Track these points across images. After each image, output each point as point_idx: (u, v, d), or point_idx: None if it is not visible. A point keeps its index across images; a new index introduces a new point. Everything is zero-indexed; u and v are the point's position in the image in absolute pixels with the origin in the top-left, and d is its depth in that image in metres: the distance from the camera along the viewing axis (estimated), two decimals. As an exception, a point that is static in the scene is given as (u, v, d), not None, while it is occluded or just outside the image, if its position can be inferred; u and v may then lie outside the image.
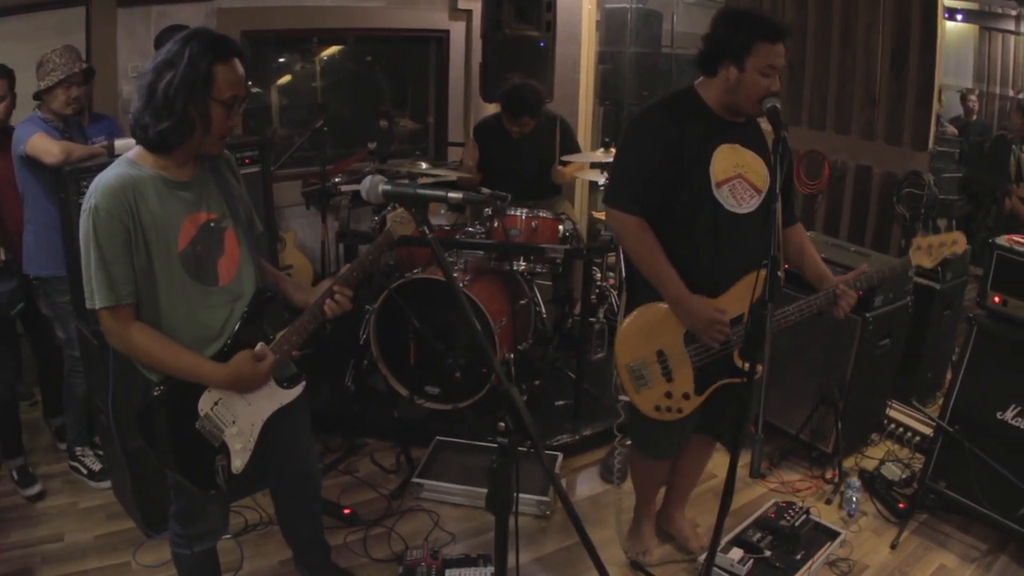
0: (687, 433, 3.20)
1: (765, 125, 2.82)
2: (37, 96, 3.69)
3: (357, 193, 5.23)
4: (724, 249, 2.88)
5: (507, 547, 2.08)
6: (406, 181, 4.22)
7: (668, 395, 3.00)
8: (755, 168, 2.90)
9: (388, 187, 2.07)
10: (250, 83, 5.98)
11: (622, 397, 3.15)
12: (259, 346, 2.47)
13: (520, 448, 2.00)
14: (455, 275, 4.48)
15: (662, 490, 3.64)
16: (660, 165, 2.81)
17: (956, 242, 2.99)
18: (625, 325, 3.03)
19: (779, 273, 2.71)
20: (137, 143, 2.33)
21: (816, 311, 2.95)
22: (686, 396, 3.00)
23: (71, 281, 3.54)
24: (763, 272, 2.44)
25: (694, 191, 2.83)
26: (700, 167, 2.82)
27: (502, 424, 1.98)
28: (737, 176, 2.86)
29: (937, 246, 2.98)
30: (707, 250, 2.88)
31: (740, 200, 2.87)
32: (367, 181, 2.09)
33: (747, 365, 2.67)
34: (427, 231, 2.00)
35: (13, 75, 3.70)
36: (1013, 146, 5.94)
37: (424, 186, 2.05)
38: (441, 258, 2.01)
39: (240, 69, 2.30)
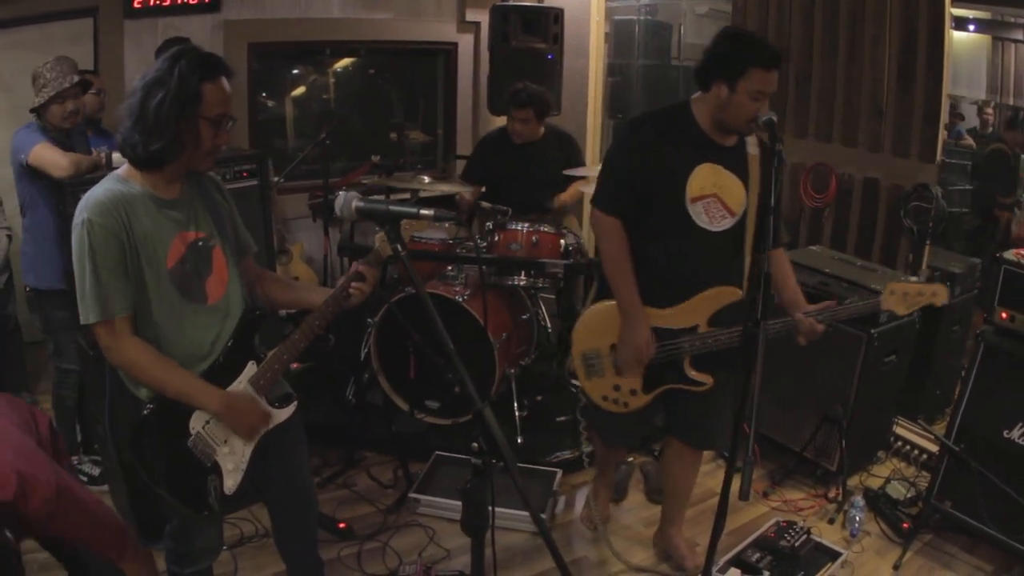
0: (637, 429, 3.48)
1: (752, 150, 2.93)
2: (34, 111, 3.66)
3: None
4: (690, 261, 2.99)
5: (483, 570, 2.05)
6: (382, 197, 4.20)
7: (616, 388, 3.14)
8: (733, 191, 2.96)
9: (361, 203, 2.07)
10: (264, 95, 6.10)
11: (574, 381, 3.25)
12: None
13: (495, 464, 1.99)
14: (456, 289, 4.45)
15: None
16: (639, 172, 2.91)
17: (936, 294, 2.90)
18: (586, 314, 3.18)
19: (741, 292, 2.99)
20: (127, 160, 2.33)
21: (781, 335, 2.97)
22: (633, 392, 3.13)
23: (70, 294, 3.54)
24: (727, 289, 2.94)
25: (669, 203, 2.93)
26: (677, 181, 2.91)
27: (475, 444, 1.96)
28: (712, 196, 2.94)
29: (914, 295, 2.90)
30: (674, 260, 2.99)
31: (712, 219, 2.95)
32: (341, 197, 2.09)
33: (701, 375, 3.03)
34: (399, 248, 1.99)
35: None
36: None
37: (397, 203, 2.04)
38: (413, 274, 2.00)
39: (227, 87, 2.29)
